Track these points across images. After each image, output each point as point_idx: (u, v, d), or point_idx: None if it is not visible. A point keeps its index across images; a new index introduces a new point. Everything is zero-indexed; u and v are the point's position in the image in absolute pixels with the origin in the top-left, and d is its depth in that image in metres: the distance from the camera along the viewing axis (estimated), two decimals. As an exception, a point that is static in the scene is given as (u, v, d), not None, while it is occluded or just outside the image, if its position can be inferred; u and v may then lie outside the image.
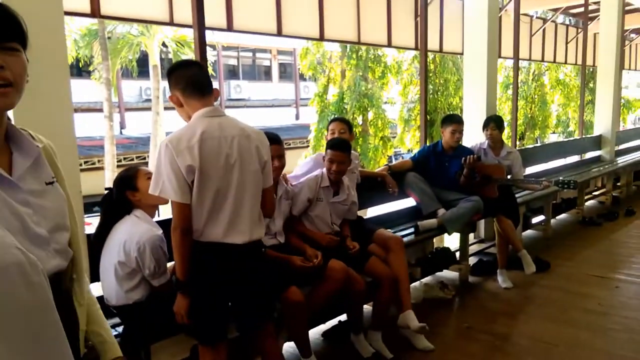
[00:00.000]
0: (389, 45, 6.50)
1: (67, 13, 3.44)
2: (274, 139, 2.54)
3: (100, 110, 11.30)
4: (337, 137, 3.23)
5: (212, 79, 2.15)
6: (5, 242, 0.42)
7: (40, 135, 1.27)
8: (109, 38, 11.48)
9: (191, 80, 2.04)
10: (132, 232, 2.19)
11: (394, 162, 4.84)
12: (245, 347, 2.51)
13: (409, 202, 4.24)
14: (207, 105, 2.05)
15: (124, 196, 2.28)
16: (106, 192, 2.41)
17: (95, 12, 3.89)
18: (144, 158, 13.16)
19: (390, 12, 6.28)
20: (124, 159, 12.49)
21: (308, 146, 12.94)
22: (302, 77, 21.02)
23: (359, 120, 11.95)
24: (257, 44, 20.69)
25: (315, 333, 3.31)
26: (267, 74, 22.67)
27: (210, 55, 13.56)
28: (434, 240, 4.46)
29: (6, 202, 1.08)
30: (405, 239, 3.48)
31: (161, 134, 11.95)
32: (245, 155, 2.05)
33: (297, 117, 21.34)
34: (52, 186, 1.20)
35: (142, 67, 13.65)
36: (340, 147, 2.99)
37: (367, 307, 3.17)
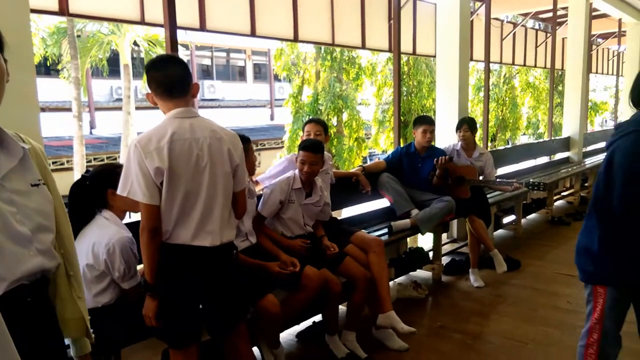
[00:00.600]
0: (363, 47, 6.53)
1: (34, 11, 3.35)
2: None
3: (69, 109, 11.03)
4: (310, 139, 3.22)
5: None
6: None
7: None
8: (78, 36, 11.22)
9: (161, 82, 2.00)
10: (101, 234, 2.14)
11: (368, 163, 4.87)
12: (217, 350, 2.48)
13: (383, 202, 4.26)
14: (180, 105, 2.01)
15: (101, 192, 2.21)
16: (80, 178, 2.33)
17: (63, 10, 3.79)
18: (115, 158, 12.91)
19: (364, 14, 6.32)
20: (94, 159, 12.24)
21: (283, 147, 12.91)
22: (276, 78, 20.96)
23: (334, 121, 11.98)
24: (232, 44, 20.55)
25: (289, 334, 3.30)
26: (241, 74, 22.53)
27: (184, 55, 13.40)
28: (408, 240, 4.51)
29: None
30: (379, 240, 3.50)
31: (132, 133, 11.73)
32: (216, 157, 2.02)
33: (271, 118, 21.29)
34: (37, 188, 1.23)
35: (113, 66, 13.41)
36: (312, 149, 2.99)
37: (340, 308, 3.18)
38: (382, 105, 13.47)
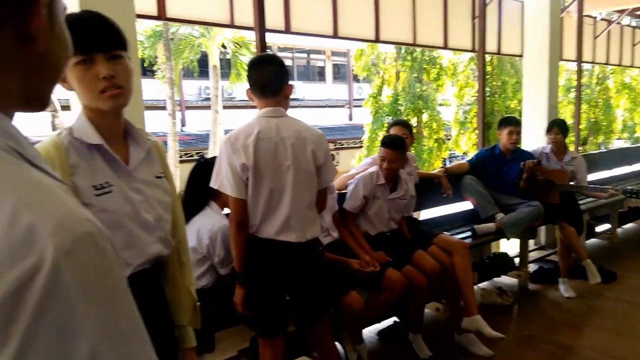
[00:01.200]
0: (445, 47, 6.38)
1: (138, 16, 3.62)
2: None
3: (163, 108, 11.76)
4: (391, 135, 3.21)
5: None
6: (81, 213, 0.45)
7: None
8: (171, 39, 11.92)
9: (256, 81, 2.10)
10: (206, 221, 2.31)
11: (448, 164, 4.75)
12: (303, 342, 2.55)
13: (465, 205, 4.16)
14: (271, 104, 2.09)
15: (205, 187, 2.34)
16: (200, 159, 2.50)
17: (161, 15, 4.06)
18: (203, 154, 13.57)
19: (446, 14, 6.17)
20: (185, 154, 12.93)
21: (361, 147, 12.91)
22: (355, 79, 21.00)
23: (413, 122, 11.79)
24: (312, 45, 20.85)
25: (370, 332, 3.31)
26: (321, 74, 22.82)
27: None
28: (491, 245, 4.36)
29: (122, 189, 1.22)
30: (462, 243, 3.43)
31: (220, 131, 12.29)
32: (300, 157, 2.07)
33: (350, 118, 21.34)
34: (160, 180, 1.33)
35: (202, 67, 14.09)
36: (392, 145, 2.99)
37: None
38: (464, 105, 13.08)
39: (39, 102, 0.56)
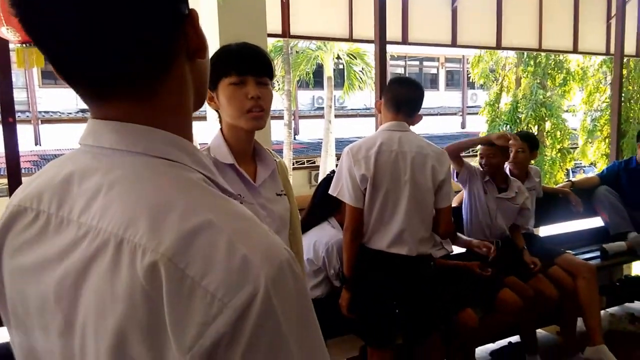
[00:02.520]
0: (575, 51, 5.99)
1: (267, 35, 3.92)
2: None
3: (280, 117, 12.38)
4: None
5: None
6: (277, 241, 0.51)
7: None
8: (290, 54, 12.54)
9: (395, 97, 2.18)
10: (322, 234, 2.42)
11: (572, 176, 4.45)
12: (411, 356, 2.57)
13: (592, 222, 3.87)
14: (397, 120, 2.16)
15: (330, 199, 2.46)
16: (330, 174, 2.64)
17: (286, 33, 4.35)
18: (314, 162, 14.01)
19: (577, 16, 5.79)
20: (296, 162, 13.47)
21: (475, 156, 12.38)
22: (470, 85, 20.30)
23: (534, 130, 11.11)
24: (426, 52, 20.56)
25: (482, 351, 3.22)
26: (433, 82, 22.38)
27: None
28: (623, 267, 4.01)
29: (251, 205, 1.36)
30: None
31: (332, 140, 12.64)
32: (418, 172, 2.11)
33: (463, 126, 20.66)
34: (281, 197, 1.45)
35: (315, 78, 14.59)
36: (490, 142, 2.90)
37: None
38: (593, 112, 12.04)
39: (197, 108, 0.65)
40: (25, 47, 2.24)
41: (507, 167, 3.23)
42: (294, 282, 0.49)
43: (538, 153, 3.38)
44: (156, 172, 0.54)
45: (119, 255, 0.48)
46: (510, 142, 2.72)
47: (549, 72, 11.13)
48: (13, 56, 2.43)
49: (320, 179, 11.66)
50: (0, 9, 2.11)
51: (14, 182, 2.43)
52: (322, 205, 2.50)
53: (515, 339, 3.18)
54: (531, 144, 3.26)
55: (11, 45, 2.48)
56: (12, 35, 2.20)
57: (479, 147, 2.99)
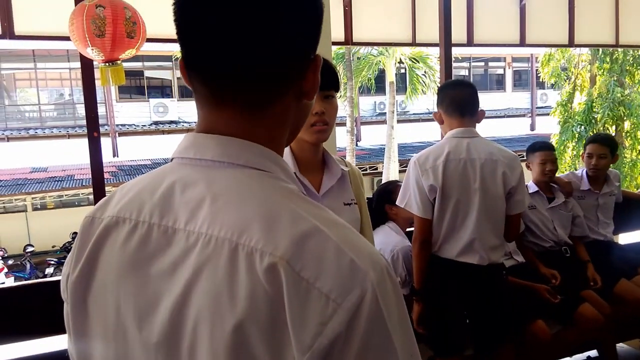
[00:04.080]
0: (657, 45, 5.59)
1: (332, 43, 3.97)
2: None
3: (342, 124, 12.44)
4: (541, 140, 3.08)
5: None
6: (376, 249, 0.56)
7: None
8: (352, 60, 12.58)
9: (454, 100, 2.13)
10: (386, 242, 2.41)
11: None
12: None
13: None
14: (465, 125, 2.12)
15: (382, 208, 2.52)
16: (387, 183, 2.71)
17: (348, 40, 4.38)
18: (376, 168, 13.95)
19: (659, 6, 5.40)
20: (359, 169, 13.46)
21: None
22: (539, 85, 19.45)
23: (612, 131, 10.45)
24: (492, 53, 19.96)
25: (559, 364, 3.07)
26: (499, 82, 21.66)
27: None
28: None
29: None
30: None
31: (394, 146, 12.53)
32: (489, 180, 2.05)
33: (532, 128, 19.83)
34: (349, 207, 1.45)
35: (377, 84, 14.56)
36: (545, 148, 2.93)
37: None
38: (679, 109, 11.15)
39: (289, 142, 0.71)
40: (108, 66, 2.41)
41: (584, 171, 3.09)
42: (392, 286, 0.52)
43: (618, 156, 3.20)
44: (259, 182, 0.58)
45: (235, 259, 0.52)
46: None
47: (627, 68, 10.42)
48: (96, 73, 2.62)
49: (383, 185, 11.60)
50: (87, 31, 2.29)
51: (99, 192, 2.62)
52: (377, 212, 2.52)
53: (594, 353, 3.00)
54: (612, 148, 3.09)
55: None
56: (96, 54, 2.38)
57: (537, 153, 2.90)
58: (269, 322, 0.49)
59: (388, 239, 2.42)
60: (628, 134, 10.52)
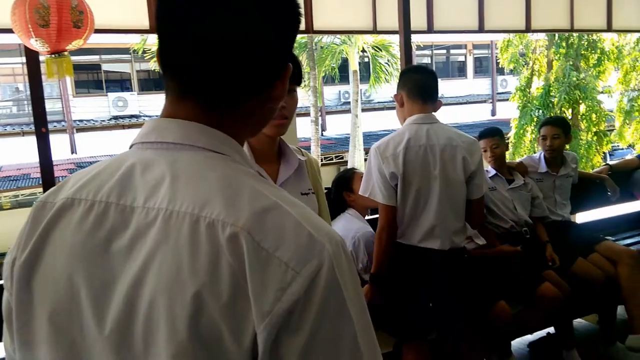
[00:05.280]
0: (609, 29, 5.75)
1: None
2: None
3: (307, 114, 12.38)
4: (487, 127, 3.10)
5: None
6: (332, 229, 0.58)
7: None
8: (314, 49, 12.50)
9: (417, 85, 2.13)
10: (348, 228, 2.40)
11: (609, 160, 4.30)
12: (449, 351, 2.53)
13: (633, 206, 3.74)
14: (425, 112, 2.12)
15: (340, 196, 2.51)
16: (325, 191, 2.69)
17: (309, 29, 4.33)
18: (342, 157, 13.98)
19: (612, -9, 5.56)
20: (324, 158, 13.47)
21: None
22: (499, 71, 19.86)
23: (568, 114, 10.75)
24: (453, 40, 20.21)
25: (520, 343, 3.15)
26: (461, 70, 21.99)
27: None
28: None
29: None
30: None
31: (359, 135, 12.57)
32: (449, 165, 2.07)
33: (493, 113, 20.25)
34: (306, 197, 1.44)
35: (341, 73, 14.54)
36: (485, 135, 2.95)
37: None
38: (630, 92, 11.58)
39: (247, 139, 0.73)
40: (54, 58, 2.29)
41: (542, 154, 3.15)
42: (347, 261, 0.55)
43: (572, 137, 3.29)
44: (219, 163, 0.60)
45: (197, 231, 0.52)
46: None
47: (582, 52, 10.73)
48: (43, 67, 2.49)
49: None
50: (29, 21, 2.17)
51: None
52: (336, 201, 2.52)
53: (552, 329, 3.10)
54: (564, 128, 3.18)
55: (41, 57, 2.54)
56: (41, 46, 2.26)
57: (481, 141, 2.94)
58: (230, 290, 0.50)
59: (349, 226, 2.41)
60: (584, 116, 10.86)
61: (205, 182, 0.56)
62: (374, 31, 4.67)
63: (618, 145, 13.32)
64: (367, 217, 2.59)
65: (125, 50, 14.06)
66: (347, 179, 2.52)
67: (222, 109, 0.62)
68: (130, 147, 0.64)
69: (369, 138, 13.88)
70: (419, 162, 2.06)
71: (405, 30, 3.44)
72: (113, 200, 0.58)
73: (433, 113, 2.18)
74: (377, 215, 2.41)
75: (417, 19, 4.64)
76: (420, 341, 2.18)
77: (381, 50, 12.79)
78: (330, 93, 17.78)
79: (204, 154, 0.60)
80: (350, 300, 0.53)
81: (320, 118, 13.16)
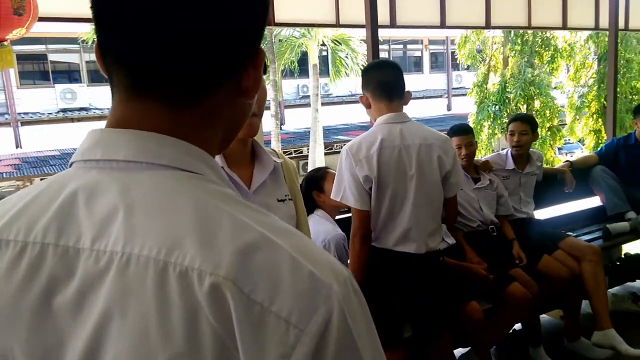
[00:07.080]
0: (564, 27, 5.89)
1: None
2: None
3: (266, 108, 12.18)
4: (457, 124, 3.04)
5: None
6: (333, 258, 0.48)
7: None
8: (274, 42, 12.30)
9: (380, 83, 2.02)
10: (317, 230, 2.30)
11: (557, 154, 4.39)
12: (422, 355, 2.49)
13: (591, 202, 3.83)
14: (394, 110, 2.03)
15: (309, 195, 2.40)
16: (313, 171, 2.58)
17: (270, 21, 4.18)
18: (301, 152, 13.89)
19: (566, -9, 5.69)
20: (284, 153, 13.29)
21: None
22: (455, 67, 20.24)
23: (524, 109, 11.06)
24: (409, 35, 20.42)
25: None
26: (417, 65, 22.29)
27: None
28: (622, 246, 3.97)
29: None
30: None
31: (319, 129, 12.49)
32: (424, 165, 2.00)
33: (448, 108, 20.65)
34: (283, 203, 1.32)
35: (301, 66, 14.41)
36: (460, 132, 2.87)
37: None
38: (580, 88, 12.02)
39: (223, 148, 0.58)
40: (-6, 48, 2.08)
41: (509, 151, 3.16)
42: (358, 299, 0.46)
43: (538, 133, 3.32)
44: (190, 186, 0.47)
45: (165, 283, 0.41)
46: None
47: (537, 49, 11.04)
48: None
49: (309, 168, 11.56)
50: (-37, 7, 1.94)
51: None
52: (306, 199, 2.42)
53: (518, 326, 3.12)
54: (532, 125, 3.20)
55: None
56: (-23, 35, 2.04)
57: (453, 138, 2.90)
58: (215, 358, 0.40)
59: (318, 228, 2.31)
60: (538, 112, 11.18)
61: (172, 215, 0.44)
62: (337, 25, 4.58)
63: (569, 140, 13.81)
64: (336, 217, 2.49)
65: (73, 40, 13.38)
66: (318, 178, 2.41)
67: (186, 108, 0.50)
68: (70, 165, 0.50)
69: (329, 132, 13.83)
70: (394, 163, 1.97)
71: (373, 24, 3.36)
72: (50, 241, 0.45)
73: (404, 108, 2.09)
74: (346, 215, 2.32)
75: (381, 13, 4.59)
76: (396, 346, 2.12)
77: (340, 44, 12.73)
78: (289, 87, 17.60)
79: (167, 173, 0.47)
80: (364, 346, 0.44)
81: (279, 112, 12.99)
